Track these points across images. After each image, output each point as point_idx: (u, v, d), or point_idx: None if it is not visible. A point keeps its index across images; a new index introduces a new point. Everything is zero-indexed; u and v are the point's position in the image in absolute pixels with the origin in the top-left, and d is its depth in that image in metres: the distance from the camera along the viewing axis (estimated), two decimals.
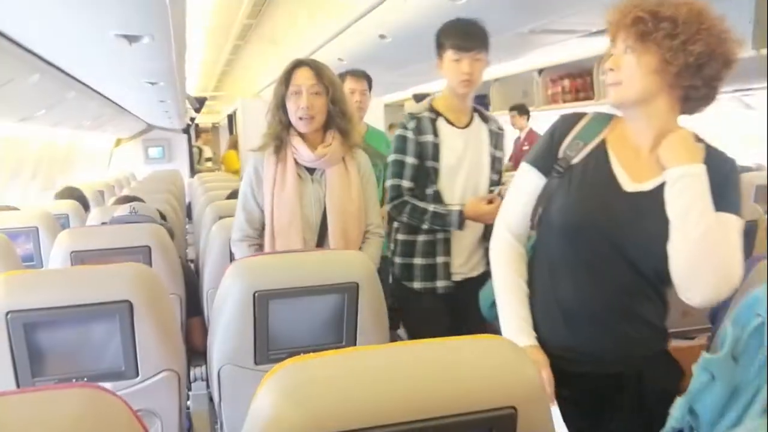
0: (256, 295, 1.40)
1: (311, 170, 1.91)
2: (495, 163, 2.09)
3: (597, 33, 3.33)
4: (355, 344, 1.47)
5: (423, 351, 0.80)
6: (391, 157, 2.02)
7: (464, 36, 1.93)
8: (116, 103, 4.76)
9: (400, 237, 2.09)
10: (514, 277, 1.37)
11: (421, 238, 2.03)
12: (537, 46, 3.74)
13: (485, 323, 1.63)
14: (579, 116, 1.36)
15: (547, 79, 4.99)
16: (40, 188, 4.87)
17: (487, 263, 1.77)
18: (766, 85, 3.57)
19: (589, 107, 4.47)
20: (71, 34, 2.09)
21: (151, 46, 2.16)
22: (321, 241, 1.90)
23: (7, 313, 1.27)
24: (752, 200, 3.03)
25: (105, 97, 4.18)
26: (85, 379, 1.35)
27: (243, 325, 1.42)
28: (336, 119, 1.88)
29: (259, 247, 1.94)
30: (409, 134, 1.99)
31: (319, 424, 0.68)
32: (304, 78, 1.83)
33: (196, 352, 2.27)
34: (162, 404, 1.44)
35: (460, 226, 1.96)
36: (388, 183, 2.03)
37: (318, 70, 1.85)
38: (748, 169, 3.63)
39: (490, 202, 1.94)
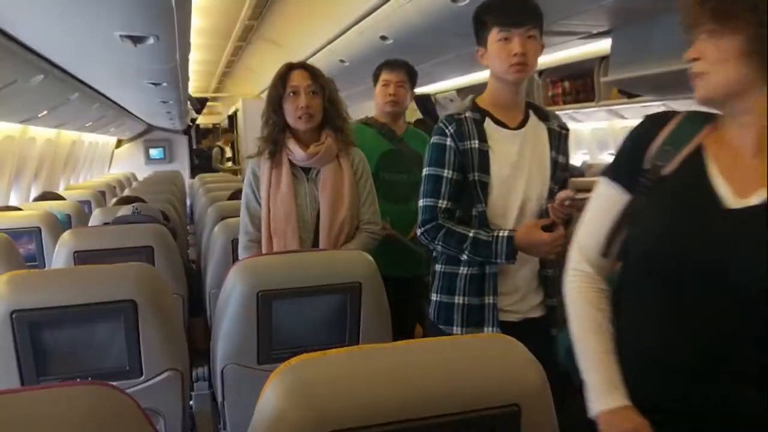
0: (260, 294, 1.41)
1: (307, 170, 1.94)
2: (557, 170, 1.65)
3: (598, 35, 3.33)
4: (357, 344, 1.47)
5: (427, 350, 0.81)
6: (425, 171, 1.63)
7: (513, 9, 1.54)
8: (119, 105, 4.77)
9: (439, 268, 1.66)
10: (597, 317, 1.11)
11: (464, 270, 1.61)
12: None
13: (556, 372, 1.09)
14: (668, 116, 1.09)
15: (547, 81, 4.99)
16: (43, 188, 4.87)
17: (548, 304, 1.62)
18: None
19: (589, 109, 4.49)
20: (76, 35, 2.10)
21: (156, 47, 2.17)
22: (317, 240, 1.91)
23: (12, 313, 1.28)
24: None
25: (108, 98, 4.19)
26: (90, 378, 1.35)
27: (246, 324, 1.43)
28: (332, 118, 1.93)
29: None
30: (448, 141, 1.58)
31: (325, 422, 0.69)
32: (300, 79, 1.88)
33: (198, 351, 2.28)
34: (165, 403, 1.45)
35: (511, 257, 1.52)
36: (421, 203, 1.63)
37: (312, 71, 1.91)
38: None
39: (550, 227, 1.50)
